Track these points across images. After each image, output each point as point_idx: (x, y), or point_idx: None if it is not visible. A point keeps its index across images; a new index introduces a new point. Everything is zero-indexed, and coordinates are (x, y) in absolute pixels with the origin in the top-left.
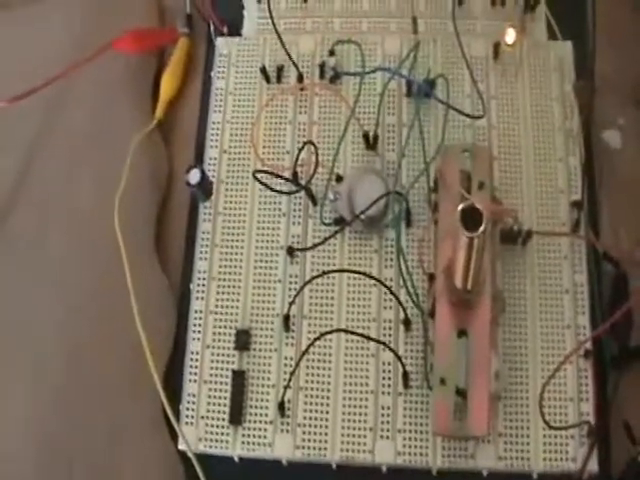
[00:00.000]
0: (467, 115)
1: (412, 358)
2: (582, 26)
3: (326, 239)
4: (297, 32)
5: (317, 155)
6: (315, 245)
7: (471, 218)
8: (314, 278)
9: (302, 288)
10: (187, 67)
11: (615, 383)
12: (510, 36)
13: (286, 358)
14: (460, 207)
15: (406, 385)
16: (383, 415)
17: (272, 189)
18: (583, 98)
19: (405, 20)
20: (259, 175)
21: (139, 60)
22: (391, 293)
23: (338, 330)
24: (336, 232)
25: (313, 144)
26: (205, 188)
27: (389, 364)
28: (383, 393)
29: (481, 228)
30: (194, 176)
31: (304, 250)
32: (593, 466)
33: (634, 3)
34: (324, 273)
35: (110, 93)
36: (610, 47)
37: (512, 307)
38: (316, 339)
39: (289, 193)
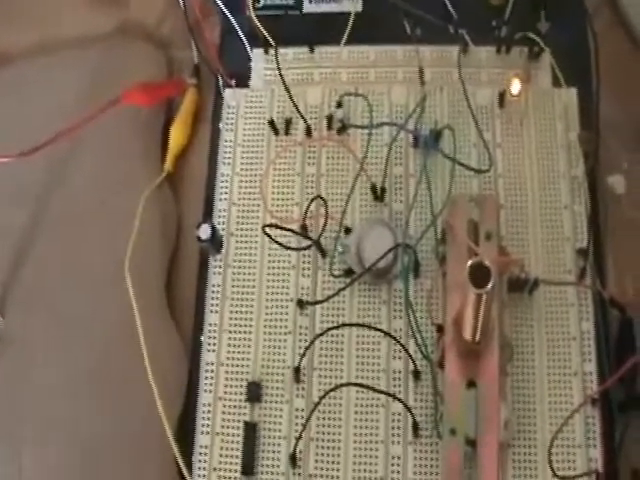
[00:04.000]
0: (473, 169)
1: (422, 408)
2: (586, 72)
3: (334, 294)
4: (305, 83)
5: (327, 209)
6: (324, 300)
7: (479, 273)
8: (323, 333)
9: (313, 341)
10: (195, 118)
11: (623, 429)
12: (515, 87)
13: (297, 409)
14: (468, 264)
15: (416, 435)
16: (393, 465)
17: (282, 245)
18: (588, 147)
19: (411, 69)
20: (269, 229)
21: (148, 112)
22: (400, 345)
23: (349, 384)
24: (346, 286)
25: (322, 198)
26: (216, 242)
27: (399, 414)
28: (393, 443)
29: (489, 285)
30: (205, 231)
31: (314, 304)
32: None
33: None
34: (332, 328)
35: (119, 146)
36: (613, 92)
37: (520, 355)
38: (328, 392)
39: (299, 249)
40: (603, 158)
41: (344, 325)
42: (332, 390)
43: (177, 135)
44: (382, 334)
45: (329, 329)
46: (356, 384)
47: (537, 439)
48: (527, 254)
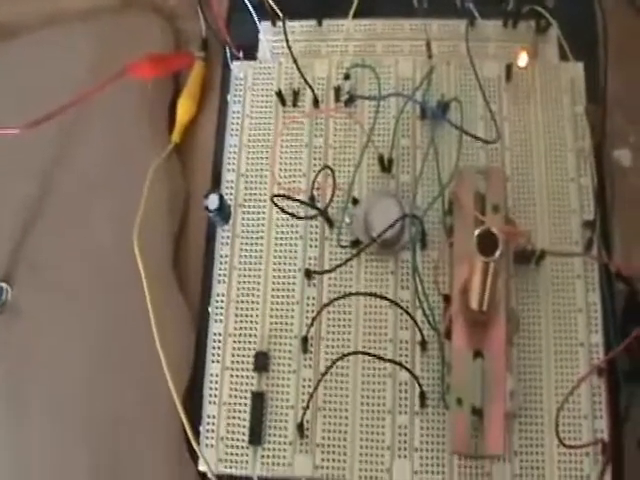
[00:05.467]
0: (481, 140)
1: (428, 378)
2: (593, 46)
3: (342, 263)
4: (312, 55)
5: (334, 179)
6: (332, 269)
7: (487, 242)
8: (331, 302)
9: (321, 311)
10: (203, 91)
11: (629, 400)
12: (522, 59)
13: (304, 379)
14: (476, 232)
15: (423, 405)
16: (400, 434)
17: (291, 215)
18: (595, 121)
19: (419, 42)
20: (277, 199)
21: (155, 84)
22: (407, 314)
23: (356, 352)
24: (352, 257)
25: (330, 169)
26: (224, 213)
27: (406, 384)
28: (400, 413)
29: (497, 253)
30: (213, 201)
31: (321, 273)
32: None
33: None
34: (340, 297)
35: (126, 118)
36: (620, 65)
37: (526, 326)
38: (336, 360)
39: (307, 218)
40: (609, 132)
41: (352, 294)
42: (340, 358)
43: (185, 107)
44: (389, 304)
45: (337, 298)
46: (363, 352)
47: (543, 410)
48: (534, 226)
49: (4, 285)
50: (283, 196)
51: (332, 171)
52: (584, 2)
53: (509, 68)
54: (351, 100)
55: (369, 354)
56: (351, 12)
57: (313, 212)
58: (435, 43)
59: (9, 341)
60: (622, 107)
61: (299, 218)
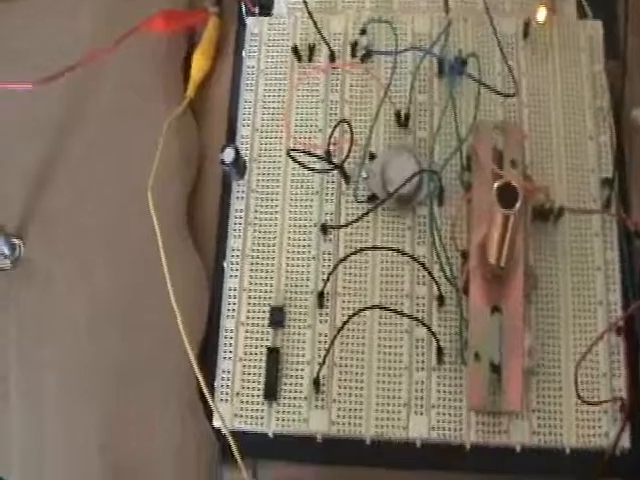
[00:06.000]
0: (499, 93)
1: (445, 334)
2: (612, 5)
3: (359, 217)
4: (328, 11)
5: (352, 133)
6: (348, 223)
7: (506, 195)
8: (348, 256)
9: (336, 266)
10: (218, 47)
11: None
12: (541, 14)
13: (320, 335)
14: (496, 185)
15: (440, 361)
16: (417, 391)
17: (307, 167)
18: (614, 78)
19: None
20: (293, 153)
21: (169, 40)
22: (425, 269)
23: (373, 307)
24: (369, 211)
25: (348, 122)
26: (239, 166)
27: (422, 340)
28: (417, 369)
29: (517, 205)
30: (228, 155)
31: (338, 228)
32: (625, 442)
33: None
34: (357, 251)
35: (141, 74)
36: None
37: (544, 284)
38: (353, 315)
39: (323, 171)
40: (628, 91)
41: (368, 249)
42: (357, 313)
43: (199, 63)
44: (406, 260)
45: (353, 253)
46: (381, 307)
47: (561, 367)
48: (551, 184)
49: (17, 241)
50: (299, 150)
51: (349, 124)
52: None
53: (527, 25)
54: (367, 56)
55: (386, 308)
56: None
57: (329, 167)
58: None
59: (22, 296)
60: None
61: (315, 171)
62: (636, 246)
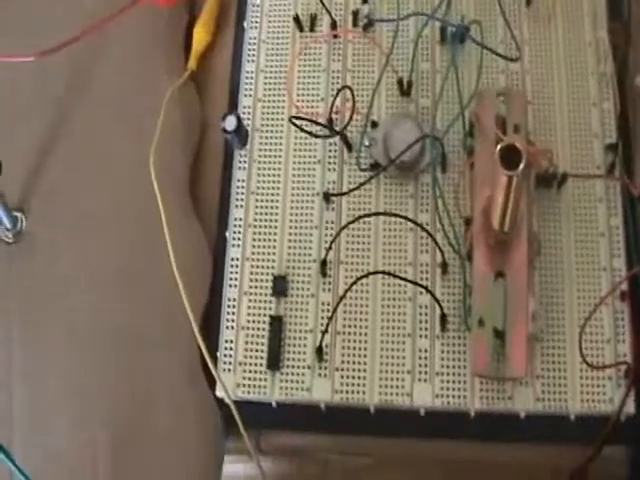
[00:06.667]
0: (502, 56)
1: (449, 301)
2: None
3: (362, 184)
4: None
5: (354, 100)
6: (351, 190)
7: (509, 158)
8: (351, 222)
9: (339, 233)
10: (219, 18)
11: None
12: None
13: (323, 303)
14: (499, 146)
15: (443, 328)
16: (420, 358)
17: (309, 133)
18: (618, 42)
19: None
20: (295, 120)
21: (170, 12)
22: (429, 234)
23: (376, 272)
24: (372, 177)
25: (350, 88)
26: (241, 134)
27: (426, 307)
28: (420, 336)
29: (521, 166)
30: (230, 122)
31: (340, 195)
32: (630, 407)
33: None
34: (361, 217)
35: (142, 46)
36: None
37: (548, 250)
38: (356, 280)
39: (325, 137)
40: (632, 57)
41: (371, 214)
42: (361, 278)
43: (200, 34)
44: (409, 227)
45: (356, 219)
46: (384, 272)
47: (566, 333)
48: (555, 150)
49: (19, 214)
50: (301, 118)
51: (352, 90)
52: None
53: None
54: (369, 25)
55: (389, 274)
56: None
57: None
58: None
59: (25, 270)
60: None
61: (317, 137)
62: (639, 210)
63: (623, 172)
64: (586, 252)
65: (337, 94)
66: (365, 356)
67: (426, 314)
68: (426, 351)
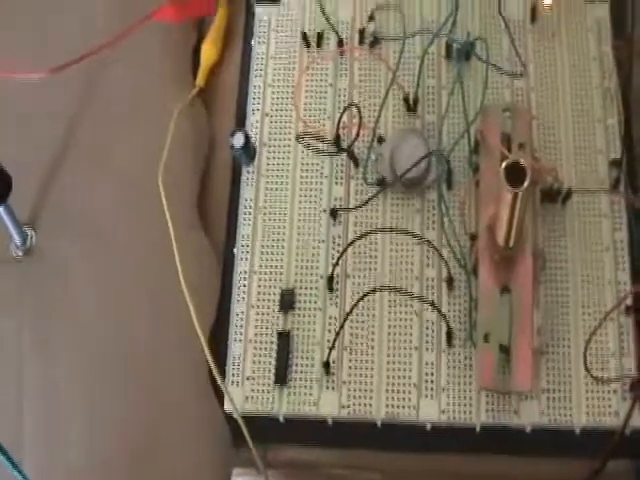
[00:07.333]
0: (507, 73)
1: (455, 316)
2: None
3: (369, 199)
4: None
5: (360, 117)
6: (357, 207)
7: (514, 175)
8: (358, 239)
9: (346, 249)
10: (227, 35)
11: None
12: None
13: (330, 317)
14: (504, 164)
15: (449, 343)
16: (427, 373)
17: (317, 150)
18: (622, 58)
19: None
20: (302, 138)
21: (179, 29)
22: (434, 249)
23: (382, 288)
24: (378, 192)
25: (356, 105)
26: (249, 151)
27: (432, 322)
28: (427, 350)
29: (525, 183)
30: (238, 139)
31: (347, 210)
32: (636, 421)
33: None
34: (368, 233)
35: (151, 63)
36: None
37: (553, 264)
38: (362, 297)
39: (332, 154)
40: (636, 73)
41: (377, 231)
42: (368, 294)
43: (209, 51)
44: (415, 242)
45: (363, 235)
46: (389, 287)
47: (571, 347)
48: (560, 166)
49: (29, 230)
50: (308, 135)
51: (358, 108)
52: None
53: (534, 8)
54: (376, 42)
55: (395, 289)
56: None
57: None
58: None
59: (35, 287)
60: None
61: (324, 154)
62: None
63: (627, 187)
64: (591, 266)
65: (343, 112)
66: (372, 370)
67: (432, 329)
68: (432, 365)
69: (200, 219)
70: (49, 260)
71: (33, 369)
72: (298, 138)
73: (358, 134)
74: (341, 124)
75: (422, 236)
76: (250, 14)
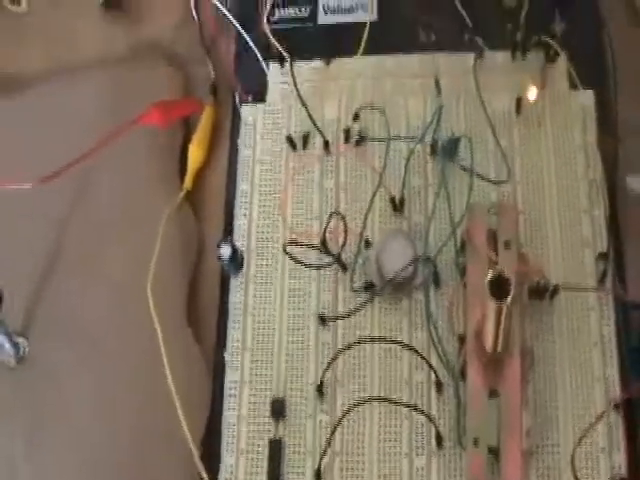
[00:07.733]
0: (491, 181)
1: (444, 418)
2: (602, 73)
3: (356, 309)
4: (321, 96)
5: (345, 225)
6: (345, 315)
7: (499, 285)
8: (346, 348)
9: (335, 358)
10: (213, 135)
11: None
12: (532, 93)
13: (321, 422)
14: (488, 278)
15: (439, 446)
16: (418, 477)
17: (304, 264)
18: (608, 149)
19: (428, 79)
20: (289, 247)
21: (165, 132)
22: (422, 358)
23: (371, 399)
24: (366, 302)
25: (340, 214)
26: (236, 262)
27: (422, 425)
28: (417, 454)
29: (509, 297)
30: (225, 251)
31: (335, 319)
32: None
33: None
34: (355, 343)
35: (137, 167)
36: (631, 92)
37: (542, 361)
38: (350, 408)
39: (320, 267)
40: (622, 158)
41: (366, 341)
42: (356, 406)
43: (195, 154)
44: (403, 348)
45: (351, 345)
46: (378, 398)
47: (560, 445)
48: (547, 260)
49: (21, 340)
50: (296, 243)
51: (343, 216)
52: (592, 30)
53: (519, 101)
54: (361, 140)
55: (385, 399)
56: (360, 50)
57: (326, 257)
58: (444, 77)
59: (28, 393)
60: (633, 132)
61: (313, 267)
62: (632, 316)
63: (615, 281)
64: (580, 362)
65: (329, 218)
66: (363, 476)
67: (422, 433)
68: (423, 469)
69: (189, 325)
70: (42, 367)
71: (26, 476)
72: (285, 249)
73: (344, 244)
74: (328, 229)
75: (410, 345)
76: (236, 113)
